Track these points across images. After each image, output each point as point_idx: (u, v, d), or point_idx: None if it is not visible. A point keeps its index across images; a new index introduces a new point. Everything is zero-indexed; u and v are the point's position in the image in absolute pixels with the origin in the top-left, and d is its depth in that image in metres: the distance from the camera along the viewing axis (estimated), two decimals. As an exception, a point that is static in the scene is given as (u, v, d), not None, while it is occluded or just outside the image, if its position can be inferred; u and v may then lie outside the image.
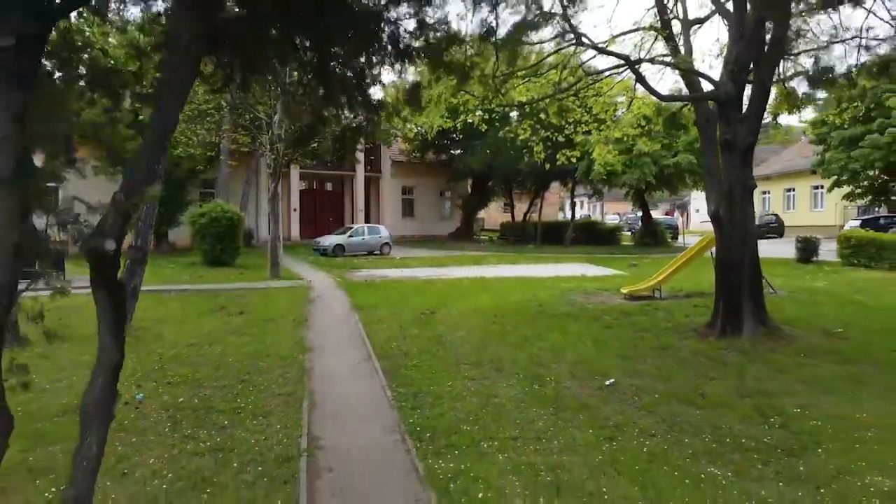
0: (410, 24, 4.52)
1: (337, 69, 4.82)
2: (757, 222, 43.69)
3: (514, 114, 23.95)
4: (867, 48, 11.19)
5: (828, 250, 25.51)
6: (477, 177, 37.64)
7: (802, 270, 22.46)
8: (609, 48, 12.50)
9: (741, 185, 11.36)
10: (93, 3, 4.43)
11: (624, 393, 8.72)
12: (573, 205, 38.70)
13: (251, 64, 4.57)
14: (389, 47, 4.65)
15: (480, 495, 5.69)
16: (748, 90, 11.44)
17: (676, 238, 39.47)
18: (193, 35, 3.41)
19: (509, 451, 6.67)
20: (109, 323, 3.42)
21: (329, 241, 30.04)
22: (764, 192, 49.12)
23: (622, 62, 11.59)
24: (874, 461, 6.27)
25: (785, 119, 36.41)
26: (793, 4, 9.85)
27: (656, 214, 53.14)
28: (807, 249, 24.49)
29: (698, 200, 56.07)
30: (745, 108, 11.38)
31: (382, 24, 4.52)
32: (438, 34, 4.49)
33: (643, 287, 16.89)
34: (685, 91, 12.84)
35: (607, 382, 9.16)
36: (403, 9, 4.52)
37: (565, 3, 9.77)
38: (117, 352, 3.47)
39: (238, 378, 9.34)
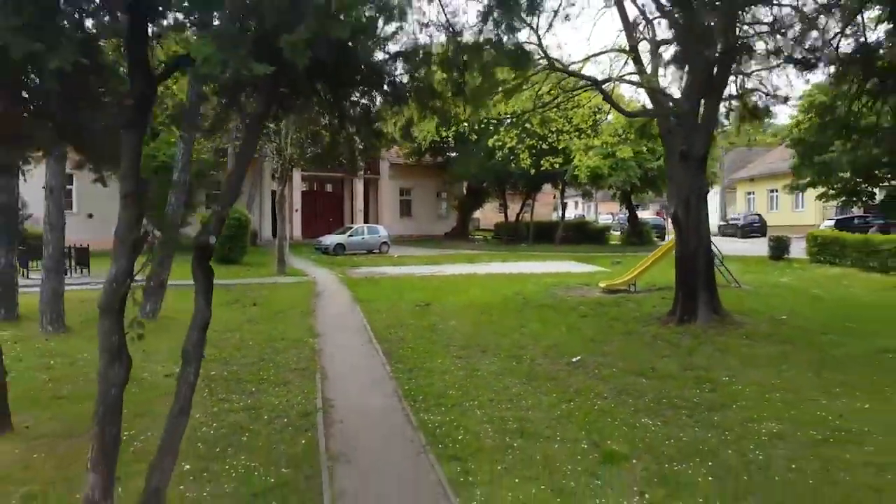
0: (405, 77, 6.08)
1: (350, 108, 6.40)
2: (741, 222, 45.30)
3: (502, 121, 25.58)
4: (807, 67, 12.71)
5: (800, 248, 27.12)
6: (471, 179, 39.22)
7: (773, 267, 24.09)
8: (585, 67, 14.08)
9: (696, 192, 12.96)
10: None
11: (588, 368, 10.30)
12: (563, 206, 40.29)
13: (283, 104, 6.15)
14: (388, 93, 6.23)
15: (460, 437, 7.27)
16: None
17: (663, 237, 41.08)
18: (262, 113, 5.02)
19: (486, 409, 8.25)
20: (203, 292, 4.99)
21: (330, 240, 31.59)
22: (749, 193, 50.79)
23: (590, 83, 13.18)
24: (773, 414, 7.88)
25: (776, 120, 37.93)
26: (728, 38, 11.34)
27: (648, 215, 54.78)
28: (778, 248, 26.12)
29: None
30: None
31: (384, 76, 6.09)
32: (422, 84, 6.04)
33: (619, 282, 18.49)
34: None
35: (574, 360, 10.75)
36: (399, 65, 6.08)
37: (539, 33, 11.31)
38: (207, 312, 5.02)
39: (259, 357, 10.90)
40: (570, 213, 64.09)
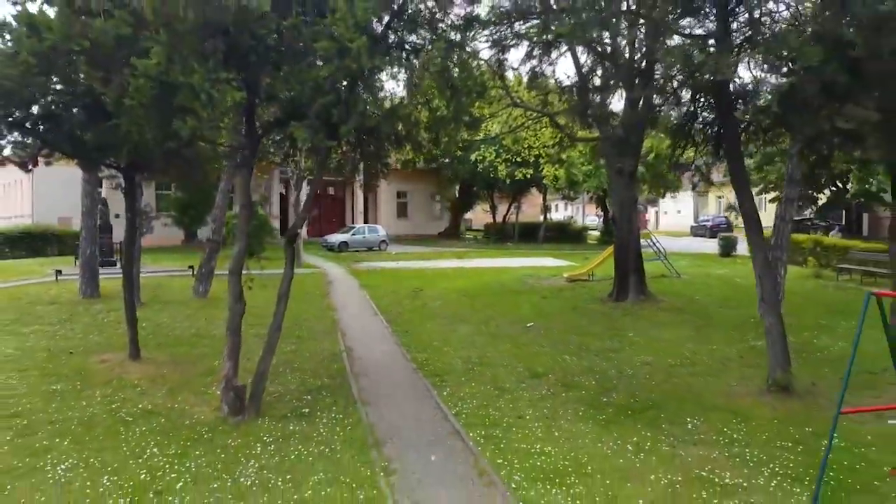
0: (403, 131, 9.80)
1: (368, 147, 10.12)
2: (711, 223, 48.91)
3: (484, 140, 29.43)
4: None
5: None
6: (463, 183, 42.88)
7: (718, 262, 27.86)
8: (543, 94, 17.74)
9: (628, 199, 16.71)
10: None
11: (538, 330, 14.02)
12: (545, 208, 43.96)
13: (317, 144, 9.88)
14: (393, 139, 9.94)
15: (439, 365, 10.99)
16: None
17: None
18: (324, 159, 8.75)
19: (458, 352, 11.97)
20: (289, 261, 8.69)
21: (335, 238, 35.23)
22: (719, 197, 54.65)
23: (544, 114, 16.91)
24: (651, 353, 11.63)
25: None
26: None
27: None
28: (726, 246, 29.91)
29: (665, 203, 61.59)
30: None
31: (391, 131, 9.80)
32: (414, 135, 9.76)
33: (580, 273, 22.22)
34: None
35: (528, 325, 14.48)
36: (400, 126, 9.78)
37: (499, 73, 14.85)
38: (290, 272, 8.71)
39: (294, 323, 14.54)
40: (560, 215, 67.88)
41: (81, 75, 8.50)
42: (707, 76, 6.70)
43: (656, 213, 65.56)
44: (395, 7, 8.00)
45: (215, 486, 6.24)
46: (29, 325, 13.51)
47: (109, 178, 15.27)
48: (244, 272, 8.81)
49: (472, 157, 22.98)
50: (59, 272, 19.72)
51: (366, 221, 42.10)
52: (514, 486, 6.36)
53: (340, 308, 16.82)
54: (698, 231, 47.80)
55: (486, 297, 18.61)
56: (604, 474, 6.60)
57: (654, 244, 23.21)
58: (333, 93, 7.44)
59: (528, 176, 22.37)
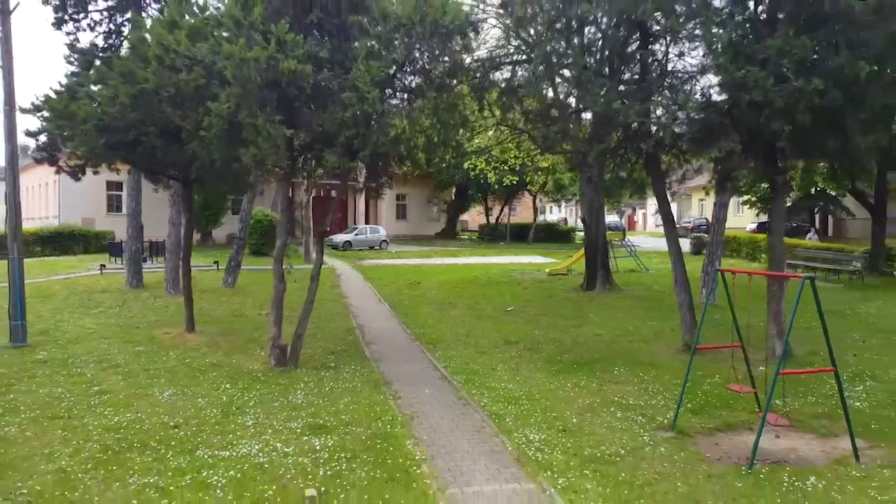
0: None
1: (377, 165, 12.92)
2: (692, 225, 51.78)
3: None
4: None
5: (719, 246, 33.69)
6: (459, 185, 45.65)
7: (688, 259, 30.60)
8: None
9: (597, 203, 19.54)
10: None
11: (516, 313, 16.83)
12: (536, 210, 46.78)
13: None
14: (397, 159, 12.76)
15: (433, 336, 13.80)
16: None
17: (623, 237, 47.70)
18: (347, 174, 11.55)
19: (449, 327, 14.79)
20: (319, 251, 11.48)
21: (340, 238, 38.00)
22: (701, 200, 57.52)
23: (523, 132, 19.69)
24: (603, 328, 14.46)
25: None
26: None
27: (613, 217, 61.24)
28: (697, 245, 32.74)
29: (653, 206, 64.43)
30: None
31: (396, 154, 12.60)
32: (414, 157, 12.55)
33: (560, 268, 25.05)
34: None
35: (508, 308, 17.30)
36: (402, 148, 12.56)
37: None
38: (320, 259, 11.50)
39: (314, 307, 17.35)
40: (555, 216, 70.68)
41: (163, 111, 11.30)
42: (622, 119, 9.51)
43: (644, 214, 68.45)
44: (399, 63, 10.81)
45: (276, 405, 9.05)
46: (93, 308, 16.30)
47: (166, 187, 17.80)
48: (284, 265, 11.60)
49: (465, 165, 25.76)
50: (103, 266, 22.50)
51: (367, 222, 44.85)
52: (482, 405, 9.18)
53: (350, 296, 19.63)
54: (680, 232, 50.68)
55: (475, 287, 21.42)
56: (547, 399, 9.42)
57: (626, 244, 26.04)
58: (354, 128, 10.26)
59: (515, 182, 25.15)
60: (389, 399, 9.39)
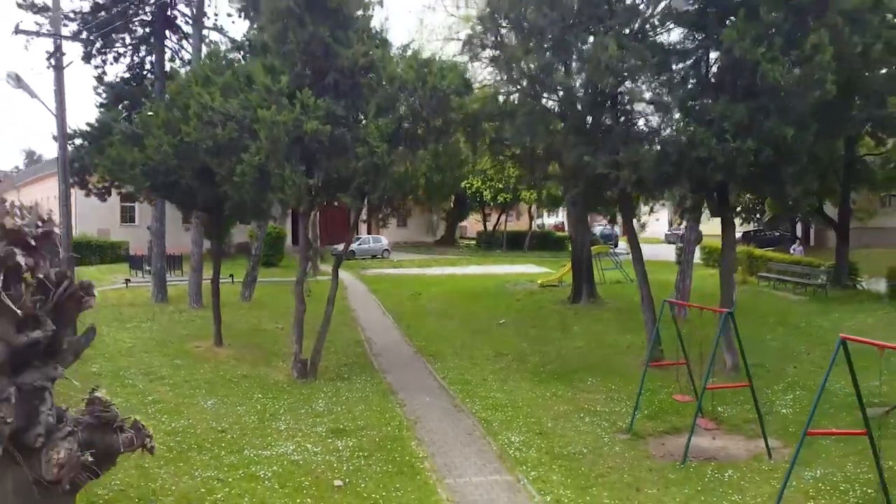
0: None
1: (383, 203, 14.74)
2: (681, 233, 53.11)
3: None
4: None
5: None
6: (457, 195, 47.41)
7: (672, 268, 32.45)
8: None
9: (582, 222, 21.36)
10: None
11: (507, 325, 18.64)
12: (530, 218, 48.56)
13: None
14: (401, 196, 14.56)
15: (433, 349, 15.62)
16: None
17: (616, 245, 49.44)
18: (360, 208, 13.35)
19: (447, 340, 16.61)
20: (335, 275, 13.28)
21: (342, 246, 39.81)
22: (694, 207, 59.51)
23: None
24: (584, 340, 16.28)
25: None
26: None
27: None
28: (682, 254, 34.51)
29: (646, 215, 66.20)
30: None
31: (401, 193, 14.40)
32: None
33: (551, 279, 26.85)
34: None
35: (501, 321, 19.11)
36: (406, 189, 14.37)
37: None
38: (336, 283, 13.30)
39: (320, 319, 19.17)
40: (551, 220, 72.34)
41: (201, 158, 13.10)
42: (590, 170, 11.33)
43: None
44: (403, 118, 12.62)
45: (302, 411, 10.86)
46: (126, 322, 18.10)
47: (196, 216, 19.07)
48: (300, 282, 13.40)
49: (463, 184, 27.62)
50: (128, 280, 24.32)
51: (369, 232, 46.64)
52: (473, 412, 10.99)
53: (357, 308, 21.45)
54: (671, 238, 52.49)
55: (472, 299, 23.22)
56: (528, 406, 11.23)
57: (613, 255, 27.84)
58: (365, 176, 12.08)
59: (509, 199, 27.01)
60: (396, 406, 11.21)
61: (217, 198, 13.81)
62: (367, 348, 15.88)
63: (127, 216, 40.51)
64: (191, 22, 22.16)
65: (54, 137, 15.72)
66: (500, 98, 13.37)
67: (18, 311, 2.45)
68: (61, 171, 14.66)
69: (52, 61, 13.72)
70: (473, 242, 52.54)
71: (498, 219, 48.14)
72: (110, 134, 18.50)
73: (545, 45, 11.55)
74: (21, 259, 2.47)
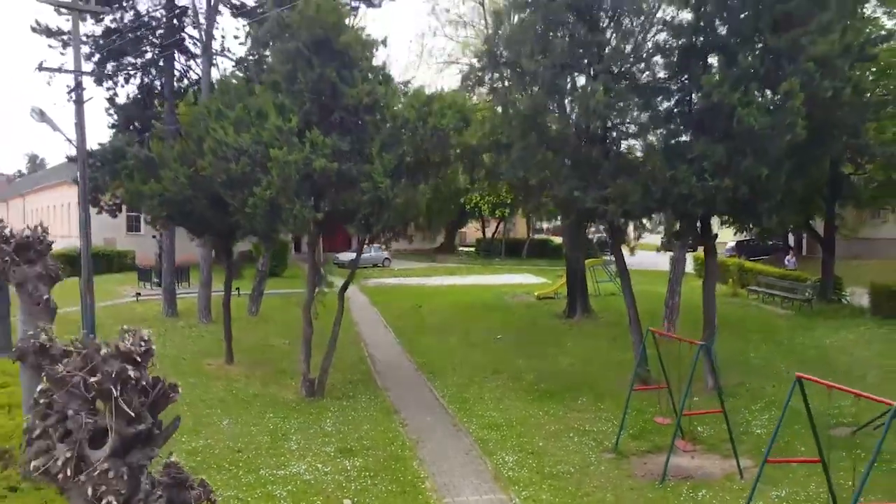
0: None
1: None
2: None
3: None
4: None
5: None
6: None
7: (665, 279, 33.27)
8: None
9: (575, 241, 22.16)
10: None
11: (504, 340, 19.46)
12: (528, 227, 49.41)
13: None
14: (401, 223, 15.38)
15: (433, 365, 16.44)
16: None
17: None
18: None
19: (446, 356, 17.42)
20: (340, 304, 14.10)
21: (346, 256, 40.59)
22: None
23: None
24: (577, 355, 17.10)
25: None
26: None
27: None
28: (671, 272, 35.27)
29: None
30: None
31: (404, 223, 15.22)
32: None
33: (548, 291, 27.67)
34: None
35: (498, 336, 19.94)
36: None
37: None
38: (342, 307, 14.11)
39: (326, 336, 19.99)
40: (550, 223, 73.02)
41: (215, 189, 13.92)
42: (579, 204, 12.20)
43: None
44: (406, 154, 13.44)
45: (311, 431, 11.68)
46: (140, 338, 18.88)
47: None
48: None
49: (462, 199, 28.49)
50: (138, 294, 25.14)
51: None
52: (470, 431, 11.81)
53: (359, 322, 22.27)
54: (667, 246, 53.26)
55: (470, 312, 24.04)
56: (522, 426, 12.05)
57: (607, 266, 28.66)
58: (370, 208, 12.90)
59: (507, 213, 27.90)
60: (399, 426, 12.03)
61: (229, 225, 14.64)
62: (371, 365, 16.70)
63: (133, 225, 41.29)
64: (199, 44, 23.00)
65: (69, 158, 16.59)
66: (497, 129, 14.21)
67: (131, 412, 3.25)
68: (82, 200, 15.46)
69: (73, 95, 14.51)
70: (473, 249, 53.36)
71: (496, 227, 48.98)
72: (124, 158, 19.44)
73: (538, 87, 12.37)
74: (131, 373, 3.29)
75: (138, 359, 3.33)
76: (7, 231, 6.61)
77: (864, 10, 21.46)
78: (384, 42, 13.92)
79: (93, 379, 3.21)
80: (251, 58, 15.20)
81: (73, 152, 16.42)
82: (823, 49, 11.79)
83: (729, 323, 21.03)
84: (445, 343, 19.11)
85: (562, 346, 18.51)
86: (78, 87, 14.39)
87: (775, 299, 24.77)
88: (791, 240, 43.30)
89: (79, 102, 14.79)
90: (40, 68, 14.43)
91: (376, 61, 13.98)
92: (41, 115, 14.09)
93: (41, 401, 3.38)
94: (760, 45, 12.35)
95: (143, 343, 3.41)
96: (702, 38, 12.32)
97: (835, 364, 15.90)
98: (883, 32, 19.78)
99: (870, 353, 16.81)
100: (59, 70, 15.00)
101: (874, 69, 20.40)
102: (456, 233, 53.56)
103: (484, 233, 51.20)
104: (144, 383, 3.31)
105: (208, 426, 11.81)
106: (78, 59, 14.65)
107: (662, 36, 12.49)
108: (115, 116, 22.70)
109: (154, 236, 40.01)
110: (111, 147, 20.00)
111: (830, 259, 23.91)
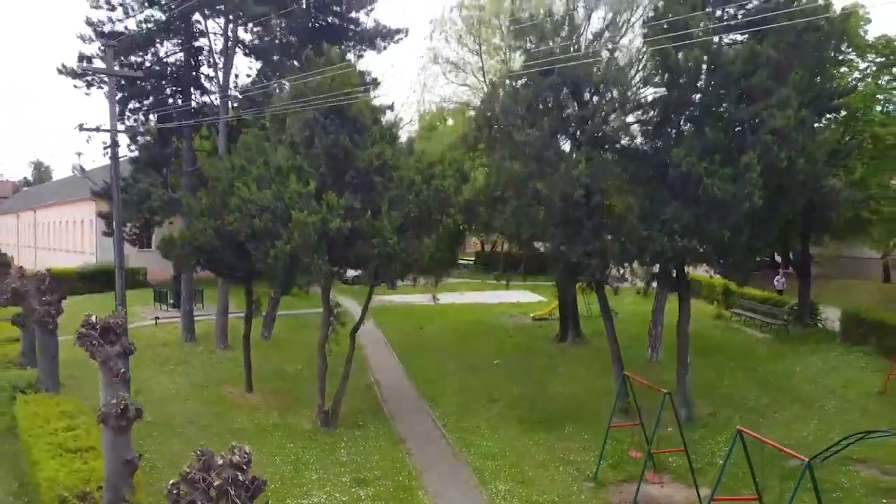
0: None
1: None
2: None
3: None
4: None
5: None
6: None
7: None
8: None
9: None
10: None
11: (500, 365, 21.03)
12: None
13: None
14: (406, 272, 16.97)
15: (435, 392, 18.02)
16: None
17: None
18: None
19: (447, 382, 19.00)
20: (352, 340, 15.68)
21: (350, 273, 42.14)
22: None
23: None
24: (566, 377, 18.68)
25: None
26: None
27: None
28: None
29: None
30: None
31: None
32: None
33: (543, 313, 29.26)
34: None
35: (495, 362, 21.51)
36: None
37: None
38: (352, 345, 15.70)
39: (339, 362, 21.57)
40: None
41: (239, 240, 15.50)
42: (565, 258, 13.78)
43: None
44: (410, 209, 15.03)
45: (328, 461, 13.27)
46: (164, 365, 20.50)
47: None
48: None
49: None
50: (157, 318, 26.74)
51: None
52: (468, 461, 13.40)
53: (366, 346, 23.85)
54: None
55: (469, 334, 25.63)
56: (514, 456, 13.64)
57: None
58: (380, 260, 14.48)
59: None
60: (405, 456, 13.63)
61: (252, 271, 16.22)
62: (378, 392, 18.29)
63: (145, 242, 42.81)
64: (214, 82, 24.61)
65: (101, 215, 18.05)
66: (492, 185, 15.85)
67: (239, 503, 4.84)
68: (118, 256, 16.99)
69: (109, 152, 16.08)
70: (472, 261, 54.93)
71: (494, 243, 50.53)
72: (149, 198, 21.05)
73: (528, 154, 13.97)
74: (240, 476, 4.85)
75: (244, 466, 4.89)
76: (93, 318, 8.18)
77: (838, 54, 23.15)
78: (391, 107, 15.53)
79: (216, 483, 4.78)
80: (269, 123, 16.75)
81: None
82: (781, 123, 13.39)
83: (709, 348, 22.60)
84: (445, 369, 20.67)
85: (553, 372, 20.09)
86: (114, 146, 15.96)
87: (756, 322, 26.34)
88: (780, 258, 44.64)
89: (114, 159, 16.34)
90: (80, 128, 16.02)
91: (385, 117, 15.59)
92: (82, 172, 15.68)
93: (174, 491, 4.95)
94: (726, 117, 13.96)
95: (245, 454, 4.97)
96: (674, 113, 13.89)
97: (799, 393, 17.48)
98: (851, 83, 21.30)
99: (833, 382, 18.36)
100: (97, 129, 16.56)
101: (844, 113, 21.98)
102: (456, 248, 55.13)
103: (483, 246, 52.79)
104: (247, 482, 4.87)
105: (237, 456, 13.38)
106: (113, 119, 16.20)
107: (640, 111, 14.05)
108: (137, 153, 24.24)
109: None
110: (136, 190, 21.58)
111: (806, 286, 25.48)
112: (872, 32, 24.26)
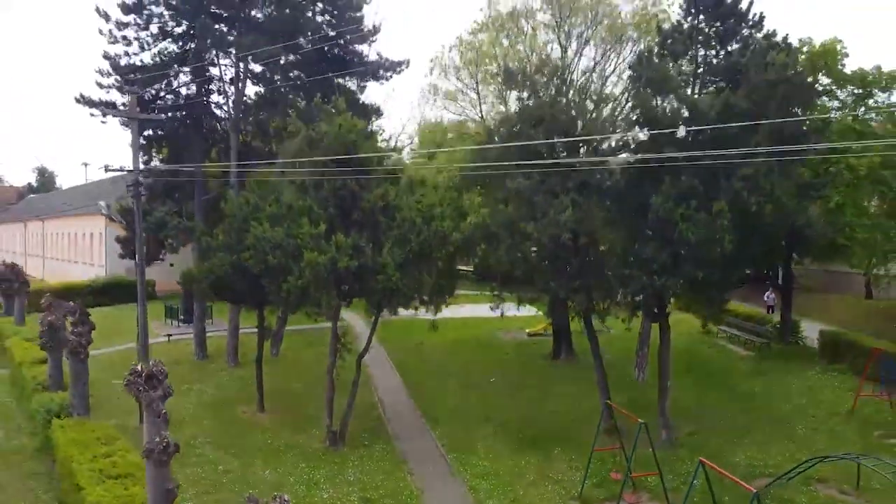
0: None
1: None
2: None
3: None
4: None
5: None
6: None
7: (649, 312, 36.13)
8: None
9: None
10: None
11: (496, 382, 22.31)
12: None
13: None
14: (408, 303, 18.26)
15: (435, 411, 19.29)
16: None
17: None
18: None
19: (446, 400, 20.28)
20: (358, 369, 16.95)
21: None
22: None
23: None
24: (558, 394, 19.96)
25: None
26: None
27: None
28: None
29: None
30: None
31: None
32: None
33: (538, 329, 30.53)
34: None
35: (491, 379, 22.79)
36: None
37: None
38: (359, 372, 16.96)
39: (345, 382, 22.83)
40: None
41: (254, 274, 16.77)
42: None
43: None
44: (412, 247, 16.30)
45: (338, 480, 14.54)
46: (180, 384, 21.68)
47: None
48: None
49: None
50: (169, 336, 28.01)
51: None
52: (465, 480, 14.68)
53: (371, 365, 25.04)
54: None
55: (467, 351, 26.92)
56: (507, 475, 14.91)
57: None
58: (384, 294, 15.76)
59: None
60: (407, 476, 14.90)
61: (265, 301, 17.51)
62: (381, 411, 19.57)
63: (153, 255, 43.97)
64: (224, 110, 25.90)
65: (118, 239, 19.31)
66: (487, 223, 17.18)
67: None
68: (141, 296, 18.26)
69: (132, 191, 17.36)
70: (471, 271, 56.17)
71: (493, 253, 51.97)
72: (165, 227, 22.33)
73: (518, 199, 15.29)
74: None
75: (282, 510, 6.18)
76: (139, 367, 9.46)
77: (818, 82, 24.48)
78: (396, 150, 16.81)
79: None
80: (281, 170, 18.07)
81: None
82: (751, 170, 14.69)
83: (693, 367, 23.91)
84: (444, 387, 21.95)
85: (547, 391, 21.37)
86: (137, 185, 17.24)
87: (740, 339, 27.61)
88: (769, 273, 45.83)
89: (137, 197, 17.63)
90: (106, 170, 17.32)
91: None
92: (108, 209, 16.95)
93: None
94: (702, 164, 15.24)
95: (286, 501, 6.24)
96: (654, 159, 15.17)
97: (775, 413, 18.77)
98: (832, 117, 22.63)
99: (808, 402, 19.66)
100: (121, 169, 17.83)
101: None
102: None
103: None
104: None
105: (254, 475, 14.67)
106: (136, 160, 17.48)
107: (623, 155, 15.36)
108: (151, 181, 25.49)
109: (171, 264, 42.91)
110: (153, 218, 22.86)
111: (788, 306, 26.77)
112: (850, 66, 25.63)
